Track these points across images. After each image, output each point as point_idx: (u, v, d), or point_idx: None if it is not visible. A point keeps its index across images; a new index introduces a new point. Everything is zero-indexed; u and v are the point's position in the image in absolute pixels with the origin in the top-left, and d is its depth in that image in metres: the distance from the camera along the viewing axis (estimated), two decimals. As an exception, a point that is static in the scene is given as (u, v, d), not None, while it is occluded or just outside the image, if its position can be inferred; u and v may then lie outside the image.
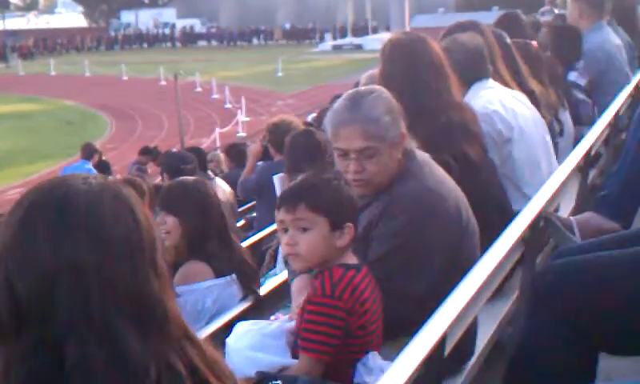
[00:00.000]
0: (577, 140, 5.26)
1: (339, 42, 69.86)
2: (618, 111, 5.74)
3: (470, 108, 4.09)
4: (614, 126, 5.68)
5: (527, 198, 3.90)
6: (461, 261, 3.03)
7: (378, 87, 3.23)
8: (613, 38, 6.76)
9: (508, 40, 5.15)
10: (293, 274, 3.12)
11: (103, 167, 15.82)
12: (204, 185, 4.19)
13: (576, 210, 4.41)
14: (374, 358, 2.74)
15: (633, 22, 7.43)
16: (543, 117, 4.79)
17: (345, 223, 2.78)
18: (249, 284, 4.09)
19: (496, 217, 3.74)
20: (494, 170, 4.19)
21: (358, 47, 63.37)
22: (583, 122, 5.97)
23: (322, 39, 73.90)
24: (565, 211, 4.51)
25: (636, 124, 3.92)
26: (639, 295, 2.32)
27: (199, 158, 8.54)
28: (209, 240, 4.02)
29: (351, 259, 2.84)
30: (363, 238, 3.00)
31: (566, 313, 2.36)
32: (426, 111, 3.80)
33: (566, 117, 5.74)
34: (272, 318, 3.22)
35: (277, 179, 4.76)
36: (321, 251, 2.78)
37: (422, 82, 3.87)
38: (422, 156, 3.23)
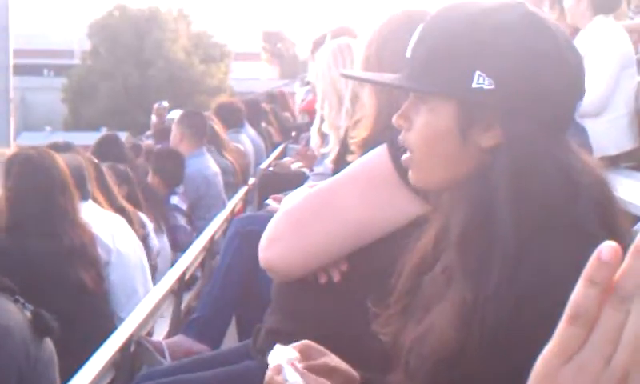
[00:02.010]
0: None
1: None
2: (213, 236, 5.94)
3: (89, 230, 4.01)
4: (210, 250, 5.86)
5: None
6: None
7: None
8: (212, 165, 7.03)
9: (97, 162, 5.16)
10: None
11: None
12: None
13: (170, 334, 4.44)
14: None
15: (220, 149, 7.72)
16: (136, 233, 4.82)
17: None
18: None
19: None
20: (107, 298, 4.12)
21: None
22: (183, 248, 6.09)
23: None
24: (160, 335, 4.53)
25: (225, 249, 4.08)
26: None
27: None
28: None
29: None
30: None
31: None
32: (54, 233, 3.68)
33: (163, 241, 5.83)
34: None
35: None
36: None
37: (52, 201, 3.75)
38: None
